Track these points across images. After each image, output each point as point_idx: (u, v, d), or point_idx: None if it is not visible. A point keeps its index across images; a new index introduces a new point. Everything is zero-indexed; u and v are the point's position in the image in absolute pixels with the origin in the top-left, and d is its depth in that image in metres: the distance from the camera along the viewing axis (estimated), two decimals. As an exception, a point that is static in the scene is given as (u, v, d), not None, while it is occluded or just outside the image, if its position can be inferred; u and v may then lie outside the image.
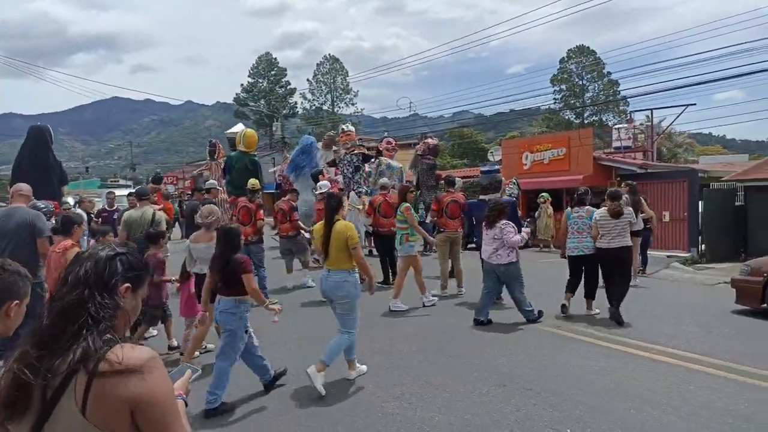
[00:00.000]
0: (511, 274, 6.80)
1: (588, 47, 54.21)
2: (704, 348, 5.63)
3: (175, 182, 41.66)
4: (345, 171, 12.11)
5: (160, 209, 8.10)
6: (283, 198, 10.05)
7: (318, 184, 10.37)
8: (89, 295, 1.39)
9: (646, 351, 5.53)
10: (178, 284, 5.90)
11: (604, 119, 51.07)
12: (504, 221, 6.81)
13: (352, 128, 13.39)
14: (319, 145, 13.93)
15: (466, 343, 6.02)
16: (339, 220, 5.00)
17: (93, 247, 1.56)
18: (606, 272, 7.10)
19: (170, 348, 5.99)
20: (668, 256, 13.25)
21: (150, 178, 14.96)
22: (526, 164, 20.15)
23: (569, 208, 7.43)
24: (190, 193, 12.82)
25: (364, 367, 5.12)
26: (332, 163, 13.10)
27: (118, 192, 12.91)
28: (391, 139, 14.34)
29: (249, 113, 55.59)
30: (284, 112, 52.22)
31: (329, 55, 58.89)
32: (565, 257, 7.42)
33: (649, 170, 17.54)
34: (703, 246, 13.61)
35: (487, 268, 7.01)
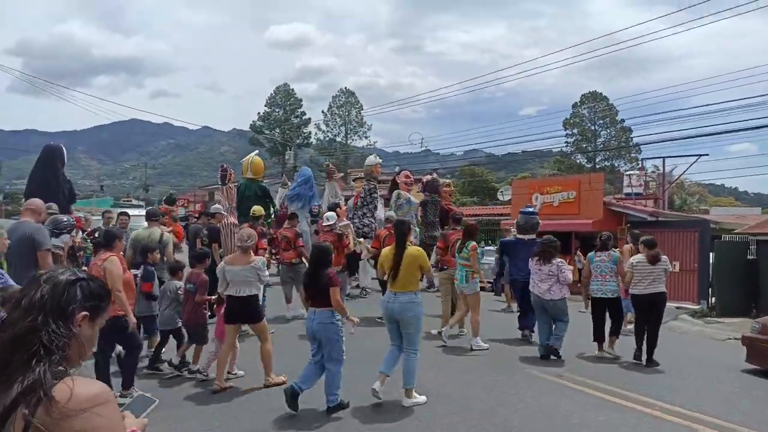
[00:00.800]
0: (561, 309, 7.27)
1: (600, 93, 54.64)
2: (711, 407, 5.40)
3: (186, 205, 42.02)
4: (377, 204, 12.38)
5: (169, 231, 8.10)
6: (284, 225, 10.01)
7: (325, 215, 10.35)
8: (43, 322, 1.29)
9: (651, 407, 5.30)
10: (216, 308, 6.11)
11: (615, 165, 51.09)
12: (560, 260, 7.34)
13: (375, 161, 13.40)
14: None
15: (464, 389, 5.82)
16: (410, 245, 5.53)
17: (52, 270, 1.45)
18: (639, 316, 7.32)
19: (190, 372, 6.05)
20: (677, 307, 12.96)
21: (163, 199, 14.95)
22: (535, 205, 20.09)
23: (593, 252, 7.66)
24: (197, 216, 12.78)
25: (422, 398, 5.28)
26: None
27: (130, 212, 12.92)
28: (408, 172, 13.67)
29: (264, 141, 56.29)
30: (298, 141, 52.83)
31: (345, 88, 59.88)
32: (586, 308, 7.93)
33: (659, 218, 17.40)
34: (713, 299, 13.32)
35: (538, 302, 7.40)
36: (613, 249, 7.82)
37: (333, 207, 10.85)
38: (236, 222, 10.33)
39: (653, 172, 23.64)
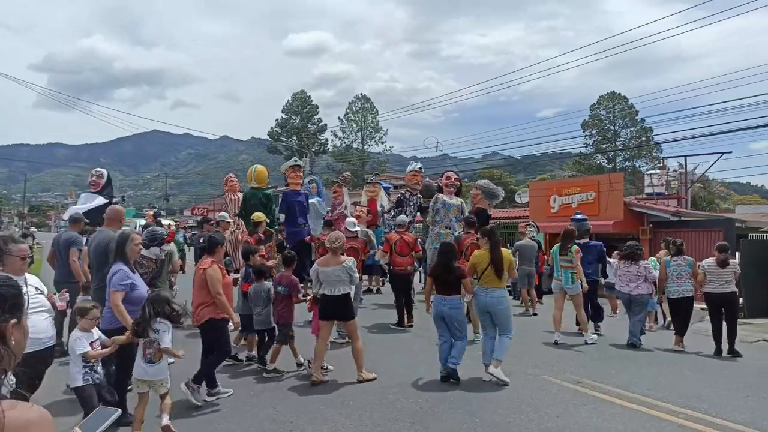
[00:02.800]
0: (645, 303, 8.42)
1: (619, 93, 53.75)
2: (740, 415, 5.12)
3: (205, 213, 42.35)
4: (408, 213, 12.01)
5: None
6: (323, 233, 9.93)
7: (347, 221, 10.26)
8: None
9: (675, 415, 5.05)
10: (309, 306, 6.53)
11: (637, 165, 50.20)
12: (645, 261, 8.50)
13: (421, 167, 13.04)
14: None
15: (477, 397, 5.63)
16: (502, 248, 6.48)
17: None
18: (714, 313, 8.11)
19: (267, 371, 6.36)
20: (702, 309, 12.53)
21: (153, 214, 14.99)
22: (554, 207, 19.73)
23: (668, 257, 8.49)
24: (196, 225, 12.82)
25: (504, 377, 5.96)
26: (398, 203, 12.67)
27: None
28: (451, 173, 12.22)
29: (281, 148, 56.61)
30: (314, 148, 52.99)
31: (361, 94, 59.90)
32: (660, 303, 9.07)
33: (682, 218, 16.92)
34: (740, 299, 12.86)
35: (627, 298, 8.41)
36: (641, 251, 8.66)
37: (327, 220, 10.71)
38: (244, 230, 10.29)
39: (675, 171, 23.08)
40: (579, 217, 10.09)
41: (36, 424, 1.14)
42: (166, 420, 4.42)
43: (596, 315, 9.33)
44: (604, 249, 9.66)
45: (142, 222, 15.62)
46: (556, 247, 8.84)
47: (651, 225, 17.13)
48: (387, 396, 5.55)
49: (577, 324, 8.86)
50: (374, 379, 6.04)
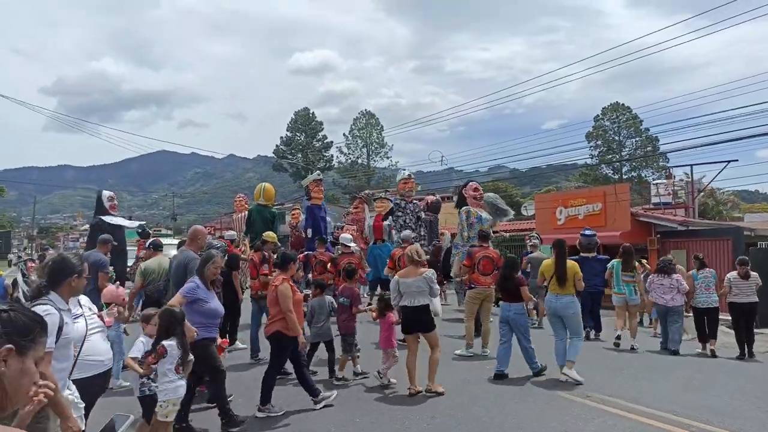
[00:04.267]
0: (679, 312, 8.98)
1: (623, 104, 53.73)
2: (752, 428, 5.04)
3: (212, 232, 42.44)
4: (408, 221, 11.65)
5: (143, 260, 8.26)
6: (318, 250, 9.96)
7: (342, 236, 10.29)
8: None
9: (686, 428, 4.97)
10: (375, 315, 6.79)
11: (643, 175, 49.97)
12: (677, 275, 9.06)
13: (411, 175, 12.88)
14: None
15: (482, 411, 5.57)
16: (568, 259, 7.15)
17: None
18: (735, 321, 9.01)
19: (336, 379, 6.65)
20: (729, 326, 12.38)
21: (138, 231, 14.98)
22: (560, 219, 19.65)
23: (695, 270, 9.19)
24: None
25: (578, 377, 6.47)
26: (391, 212, 12.37)
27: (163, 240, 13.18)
28: (476, 184, 11.77)
29: (287, 166, 56.86)
30: (320, 165, 53.19)
31: (365, 110, 60.04)
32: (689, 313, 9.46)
33: (690, 227, 16.81)
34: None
35: (662, 309, 9.08)
36: (643, 260, 9.99)
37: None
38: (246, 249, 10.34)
39: (681, 180, 22.94)
40: (588, 232, 10.45)
41: None
42: None
43: (597, 324, 9.95)
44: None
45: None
46: (616, 263, 9.54)
47: (659, 235, 17.01)
48: (396, 412, 5.50)
49: (621, 328, 9.37)
50: (442, 393, 6.05)
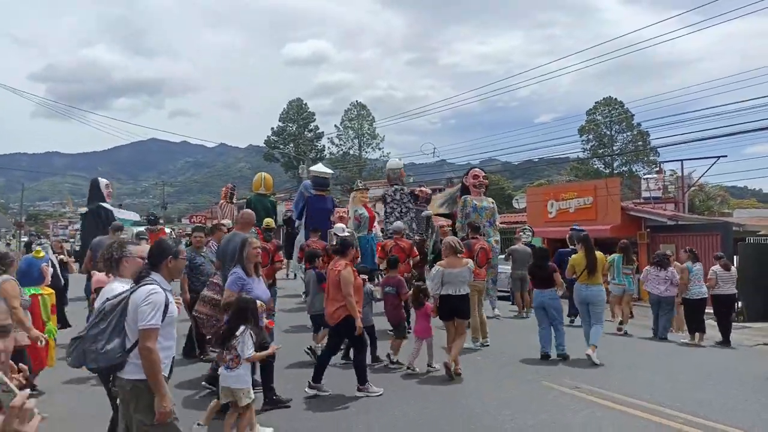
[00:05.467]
0: (673, 303, 9.51)
1: (615, 99, 53.86)
2: (740, 420, 5.06)
3: (203, 221, 42.22)
4: (398, 213, 11.53)
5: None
6: (312, 239, 9.91)
7: (336, 226, 10.24)
8: None
9: (674, 420, 4.98)
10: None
11: (634, 170, 50.21)
12: (672, 267, 9.51)
13: (401, 164, 12.70)
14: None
15: (473, 402, 5.57)
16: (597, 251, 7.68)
17: None
18: (722, 311, 9.43)
19: (392, 362, 6.80)
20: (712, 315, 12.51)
21: (147, 219, 14.85)
22: (551, 212, 19.73)
23: (689, 263, 9.45)
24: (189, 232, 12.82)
25: (597, 360, 7.02)
26: (383, 198, 12.25)
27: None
28: (478, 172, 11.48)
29: (278, 156, 56.56)
30: (311, 155, 52.97)
31: (357, 101, 59.73)
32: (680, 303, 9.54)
33: (679, 222, 16.93)
34: (739, 303, 12.82)
35: (656, 299, 9.57)
36: (634, 254, 10.37)
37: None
38: None
39: (671, 175, 23.07)
40: (577, 228, 10.63)
41: None
42: None
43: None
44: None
45: (140, 229, 15.52)
46: (617, 257, 10.18)
47: (648, 229, 17.13)
48: (388, 399, 5.49)
49: (613, 317, 10.19)
50: (459, 374, 6.30)
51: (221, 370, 4.32)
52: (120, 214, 10.27)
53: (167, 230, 17.38)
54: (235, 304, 4.48)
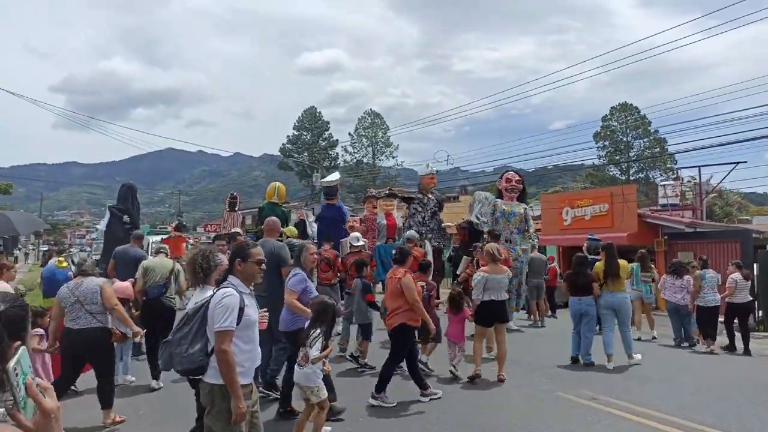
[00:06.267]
0: (688, 310, 9.65)
1: (631, 104, 53.38)
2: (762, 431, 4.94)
3: (217, 230, 42.60)
4: (426, 218, 11.30)
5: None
6: (324, 247, 9.92)
7: (351, 235, 10.21)
8: None
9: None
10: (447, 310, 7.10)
11: (651, 176, 49.63)
12: (688, 276, 9.67)
13: (428, 170, 12.44)
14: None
15: (487, 414, 5.49)
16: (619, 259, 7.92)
17: None
18: (741, 319, 9.35)
19: (429, 368, 6.89)
20: (721, 322, 12.25)
21: (174, 226, 15.02)
22: (566, 220, 19.53)
23: (701, 271, 9.53)
24: (210, 240, 12.90)
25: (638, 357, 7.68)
26: (407, 200, 12.14)
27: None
28: (511, 175, 10.97)
29: (293, 164, 56.90)
30: (325, 164, 53.20)
31: (371, 110, 59.98)
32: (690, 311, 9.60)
33: (698, 229, 16.65)
34: (760, 312, 12.55)
35: (674, 307, 9.73)
36: (651, 262, 10.46)
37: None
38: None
39: (689, 181, 22.75)
40: (593, 237, 10.78)
41: None
42: None
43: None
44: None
45: (156, 239, 15.68)
46: (636, 266, 10.32)
47: (666, 237, 16.88)
48: (400, 413, 5.44)
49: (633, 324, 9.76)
50: (503, 380, 6.59)
51: (296, 367, 4.46)
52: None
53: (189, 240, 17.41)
54: (317, 306, 4.60)
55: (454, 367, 6.79)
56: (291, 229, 9.62)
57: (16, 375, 1.17)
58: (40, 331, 5.29)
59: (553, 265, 14.24)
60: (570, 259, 17.66)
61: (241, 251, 3.36)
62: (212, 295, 3.21)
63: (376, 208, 12.94)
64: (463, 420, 5.24)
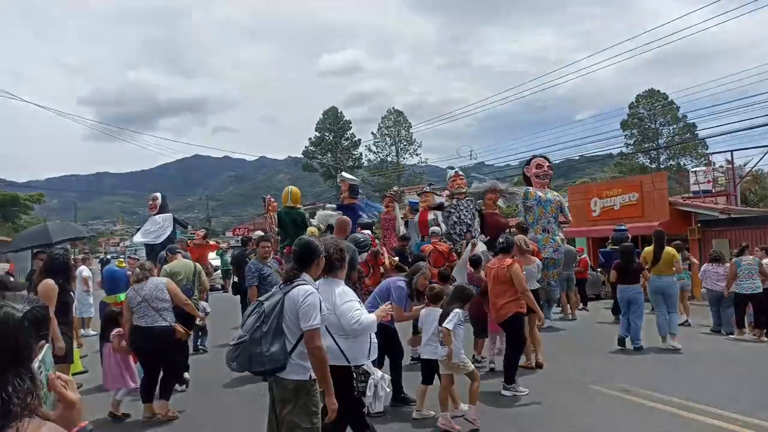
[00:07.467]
0: (731, 298, 9.39)
1: (658, 90, 52.12)
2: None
3: (246, 233, 43.17)
4: (462, 217, 11.29)
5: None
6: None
7: (431, 229, 10.24)
8: (1, 377, 1.15)
9: (733, 422, 4.74)
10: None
11: (682, 163, 48.39)
12: (729, 264, 9.53)
13: (461, 172, 12.47)
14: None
15: (519, 407, 5.45)
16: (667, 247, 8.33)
17: None
18: None
19: (478, 361, 6.98)
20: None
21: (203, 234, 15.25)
22: (595, 211, 19.22)
23: (736, 258, 9.36)
24: (240, 244, 12.96)
25: (678, 345, 7.80)
26: (439, 207, 12.04)
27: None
28: (542, 160, 10.43)
29: (317, 166, 57.20)
30: (349, 163, 53.38)
31: (393, 108, 59.90)
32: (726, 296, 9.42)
33: (732, 215, 16.18)
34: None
35: (716, 295, 9.67)
36: (686, 250, 10.67)
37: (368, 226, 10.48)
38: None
39: (721, 167, 22.07)
40: (621, 228, 11.03)
41: None
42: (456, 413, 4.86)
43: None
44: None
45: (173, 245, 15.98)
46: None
47: (699, 224, 16.45)
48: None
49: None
50: (538, 365, 6.85)
51: (438, 347, 4.82)
52: (154, 226, 10.57)
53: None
54: (457, 289, 5.17)
55: (492, 360, 6.89)
56: (312, 230, 9.67)
57: (40, 372, 1.24)
58: (122, 330, 5.53)
59: (583, 256, 14.01)
60: (598, 250, 17.37)
61: (319, 250, 3.42)
62: (284, 291, 3.20)
63: (389, 207, 12.99)
64: (493, 410, 5.19)
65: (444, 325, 4.73)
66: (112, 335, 5.54)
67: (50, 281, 5.43)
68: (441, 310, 5.04)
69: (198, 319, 6.51)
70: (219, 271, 19.12)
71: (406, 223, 12.80)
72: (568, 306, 11.32)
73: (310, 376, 3.15)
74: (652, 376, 6.39)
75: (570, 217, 10.73)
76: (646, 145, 50.22)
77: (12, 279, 4.79)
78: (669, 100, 49.20)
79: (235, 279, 11.47)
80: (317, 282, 3.45)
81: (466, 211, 11.32)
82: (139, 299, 5.30)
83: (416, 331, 7.27)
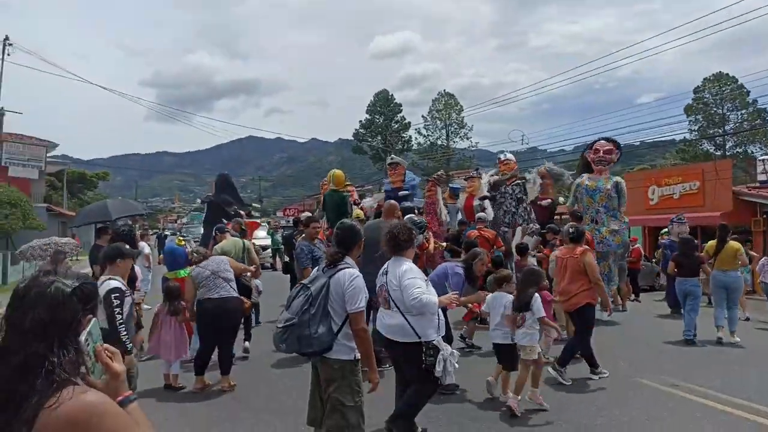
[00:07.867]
0: None
1: (727, 74, 49.17)
2: None
3: (296, 214, 43.93)
4: (507, 205, 10.99)
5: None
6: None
7: (478, 215, 10.19)
8: (47, 347, 1.24)
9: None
10: None
11: (750, 151, 45.68)
12: None
13: (511, 156, 12.16)
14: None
15: (561, 399, 5.39)
16: (729, 241, 8.16)
17: (35, 283, 1.34)
18: None
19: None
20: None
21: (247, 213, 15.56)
22: (653, 199, 18.49)
23: None
24: (292, 224, 13.22)
25: (737, 339, 7.70)
26: (486, 196, 11.76)
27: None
28: (602, 144, 9.95)
29: (366, 148, 57.37)
30: (398, 146, 53.28)
31: (444, 91, 58.94)
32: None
33: (802, 207, 15.22)
34: None
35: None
36: (748, 242, 10.47)
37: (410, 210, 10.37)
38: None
39: (794, 155, 20.72)
40: (676, 219, 10.73)
41: (94, 407, 1.22)
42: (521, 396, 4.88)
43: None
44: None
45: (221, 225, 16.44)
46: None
47: (765, 215, 15.57)
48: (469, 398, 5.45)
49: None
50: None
51: (518, 330, 4.92)
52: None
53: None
54: (528, 272, 5.27)
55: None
56: (358, 212, 9.74)
57: (87, 345, 1.35)
58: (184, 303, 5.86)
59: (636, 246, 13.55)
60: (656, 240, 16.73)
61: (360, 234, 3.57)
62: (329, 275, 3.32)
63: (431, 191, 12.79)
64: (534, 405, 5.16)
65: (538, 315, 4.90)
66: (177, 306, 5.83)
67: None
68: (509, 295, 5.12)
69: (253, 295, 6.87)
70: (269, 250, 19.57)
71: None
72: (619, 297, 10.99)
73: (355, 356, 3.29)
74: (703, 371, 6.18)
75: (623, 209, 10.13)
76: (712, 131, 47.64)
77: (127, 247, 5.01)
78: (738, 83, 46.36)
79: (286, 259, 11.71)
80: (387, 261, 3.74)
81: (511, 199, 11.10)
82: (208, 273, 5.53)
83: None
